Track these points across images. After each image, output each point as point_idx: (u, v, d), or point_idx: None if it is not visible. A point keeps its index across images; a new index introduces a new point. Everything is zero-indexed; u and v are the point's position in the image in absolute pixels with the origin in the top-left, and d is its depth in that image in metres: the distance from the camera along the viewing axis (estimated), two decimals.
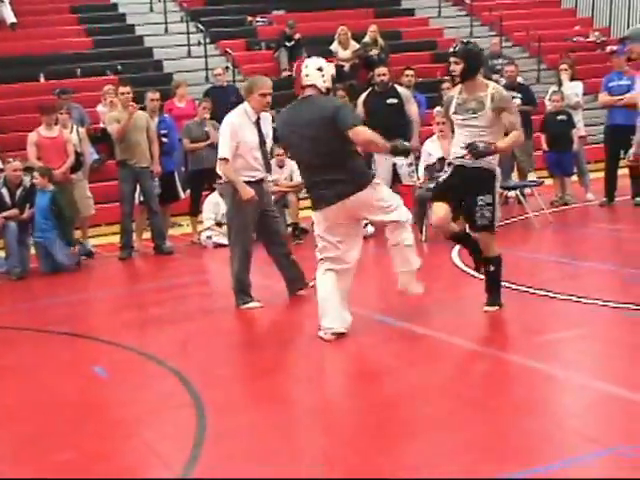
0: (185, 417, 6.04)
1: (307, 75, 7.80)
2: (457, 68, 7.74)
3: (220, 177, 13.29)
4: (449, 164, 8.18)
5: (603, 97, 13.99)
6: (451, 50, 7.84)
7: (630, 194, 13.58)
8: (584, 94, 15.36)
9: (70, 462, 5.48)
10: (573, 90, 14.61)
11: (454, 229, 8.28)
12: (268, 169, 9.41)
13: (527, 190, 14.26)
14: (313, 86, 7.78)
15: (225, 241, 13.25)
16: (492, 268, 8.13)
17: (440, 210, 8.00)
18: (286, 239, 9.75)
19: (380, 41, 20.63)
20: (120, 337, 8.50)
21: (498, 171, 8.01)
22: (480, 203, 7.86)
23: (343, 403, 6.24)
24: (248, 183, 9.09)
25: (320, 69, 7.76)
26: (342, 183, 7.60)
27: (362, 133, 7.59)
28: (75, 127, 13.92)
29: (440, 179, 8.28)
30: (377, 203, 7.74)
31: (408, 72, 14.73)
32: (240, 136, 9.07)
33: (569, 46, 22.81)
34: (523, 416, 5.58)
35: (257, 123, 9.19)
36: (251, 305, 9.30)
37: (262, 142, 9.24)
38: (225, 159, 9.12)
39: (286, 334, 8.30)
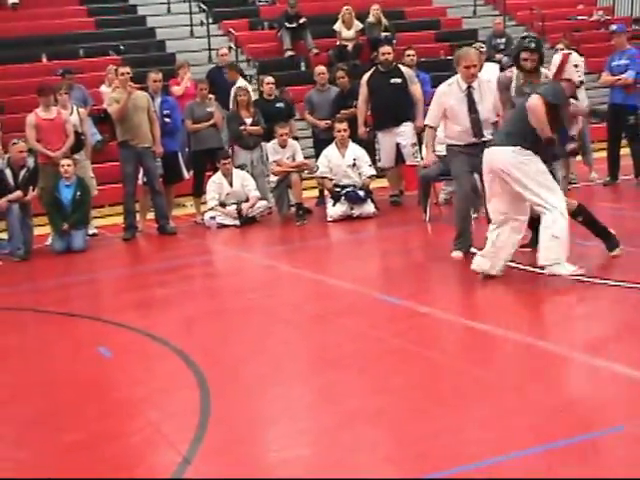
0: (190, 397, 6.05)
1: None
2: (534, 59, 8.67)
3: (226, 157, 13.42)
4: None
5: (605, 76, 14.03)
6: (526, 45, 8.69)
7: (633, 173, 13.58)
8: (587, 73, 15.32)
9: (77, 442, 5.51)
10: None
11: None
12: (478, 134, 9.63)
13: None
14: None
15: (228, 222, 13.32)
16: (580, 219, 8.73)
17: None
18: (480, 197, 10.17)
19: (384, 20, 20.56)
20: (124, 318, 8.52)
21: None
22: None
23: (349, 383, 6.25)
24: (458, 147, 9.65)
25: (576, 65, 8.58)
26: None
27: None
28: (75, 108, 13.85)
29: None
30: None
31: (409, 52, 14.68)
32: (446, 103, 9.63)
33: (572, 25, 22.71)
34: (532, 394, 5.59)
35: (468, 92, 9.60)
36: (457, 254, 9.60)
37: (472, 109, 9.58)
38: (429, 125, 9.86)
39: (289, 315, 8.31)
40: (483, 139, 9.54)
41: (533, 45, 8.72)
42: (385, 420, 5.47)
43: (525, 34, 9.64)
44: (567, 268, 8.04)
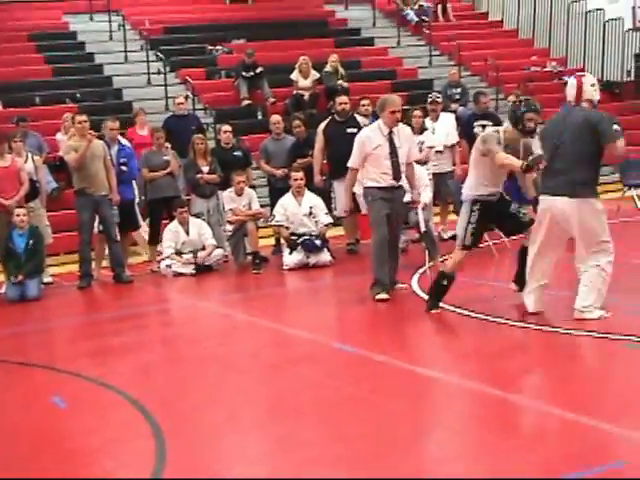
0: (144, 446, 6.01)
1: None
2: (538, 120, 8.98)
3: (182, 206, 13.42)
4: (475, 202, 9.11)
5: None
6: (533, 107, 8.97)
7: None
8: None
9: None
10: None
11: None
12: (397, 177, 10.23)
13: None
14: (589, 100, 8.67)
15: (184, 270, 13.28)
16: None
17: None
18: (398, 242, 10.74)
19: (341, 70, 20.75)
20: (79, 367, 8.45)
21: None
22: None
23: (307, 431, 6.23)
24: (378, 188, 10.17)
25: (593, 85, 8.74)
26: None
27: (620, 148, 8.34)
28: (30, 155, 13.80)
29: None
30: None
31: (364, 102, 14.69)
32: (369, 148, 10.17)
33: (526, 76, 23.04)
34: (487, 439, 5.62)
35: (390, 137, 10.19)
36: (381, 296, 10.01)
37: (393, 153, 10.16)
38: (351, 168, 10.41)
39: (245, 364, 8.28)
40: (400, 183, 10.22)
41: (538, 106, 9.04)
42: (344, 467, 5.47)
43: (522, 98, 9.71)
44: (596, 313, 8.33)
